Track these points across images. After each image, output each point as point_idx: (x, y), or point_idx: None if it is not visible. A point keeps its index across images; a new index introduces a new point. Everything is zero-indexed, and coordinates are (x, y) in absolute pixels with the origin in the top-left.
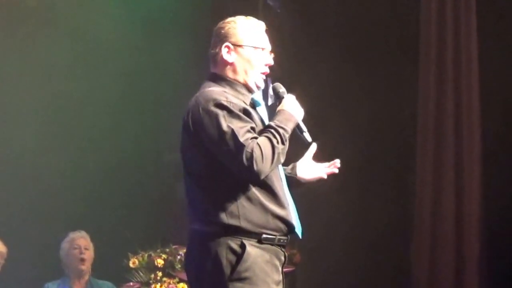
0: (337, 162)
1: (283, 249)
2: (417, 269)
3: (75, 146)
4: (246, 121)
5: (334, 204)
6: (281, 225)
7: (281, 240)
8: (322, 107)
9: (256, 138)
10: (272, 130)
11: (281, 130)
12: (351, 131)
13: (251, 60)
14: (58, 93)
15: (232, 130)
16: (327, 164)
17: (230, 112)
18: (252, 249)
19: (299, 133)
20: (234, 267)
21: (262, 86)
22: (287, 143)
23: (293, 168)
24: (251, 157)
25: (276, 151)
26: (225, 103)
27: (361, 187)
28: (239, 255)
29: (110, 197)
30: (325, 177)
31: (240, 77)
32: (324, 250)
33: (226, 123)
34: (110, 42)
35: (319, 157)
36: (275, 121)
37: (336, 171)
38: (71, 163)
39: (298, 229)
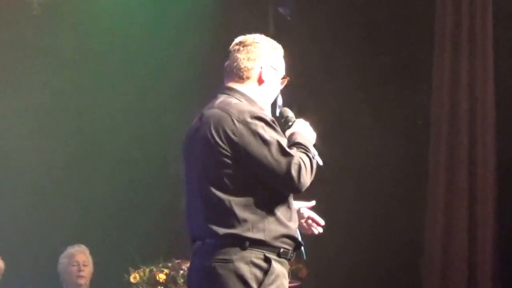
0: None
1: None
2: (428, 286)
3: (75, 158)
4: (282, 136)
5: (342, 217)
6: (294, 240)
7: (292, 255)
8: (334, 111)
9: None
10: (304, 146)
11: (309, 147)
12: (360, 138)
13: (276, 86)
14: (58, 103)
15: (277, 141)
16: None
17: (268, 124)
18: (274, 262)
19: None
20: (261, 281)
21: None
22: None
23: None
24: (299, 169)
25: (314, 166)
26: (262, 115)
27: (371, 200)
28: (265, 269)
29: (111, 209)
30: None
31: (261, 98)
32: (331, 265)
33: (268, 134)
34: (118, 49)
35: (331, 162)
36: (298, 140)
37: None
38: (71, 175)
39: (304, 249)
